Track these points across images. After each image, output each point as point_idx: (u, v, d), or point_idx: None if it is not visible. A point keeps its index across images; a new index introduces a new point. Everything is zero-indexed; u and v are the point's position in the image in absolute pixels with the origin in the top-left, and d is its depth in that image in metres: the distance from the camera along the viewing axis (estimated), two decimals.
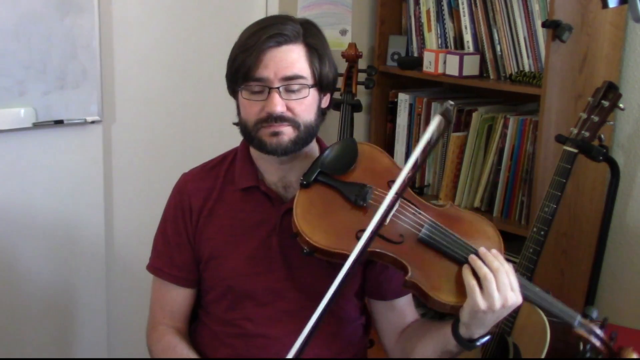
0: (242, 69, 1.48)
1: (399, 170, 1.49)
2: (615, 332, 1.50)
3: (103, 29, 2.47)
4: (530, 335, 1.99)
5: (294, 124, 1.51)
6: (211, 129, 2.79)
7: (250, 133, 1.53)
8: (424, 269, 1.41)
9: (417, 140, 2.89)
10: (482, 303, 1.34)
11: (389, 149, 2.99)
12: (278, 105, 1.47)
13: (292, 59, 1.49)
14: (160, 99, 2.70)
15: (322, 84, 1.55)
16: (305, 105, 1.51)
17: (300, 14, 2.92)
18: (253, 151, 1.62)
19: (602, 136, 1.99)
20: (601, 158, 2.00)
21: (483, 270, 1.36)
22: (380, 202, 1.40)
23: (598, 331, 1.47)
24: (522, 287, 1.40)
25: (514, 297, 1.36)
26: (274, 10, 2.81)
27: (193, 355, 1.61)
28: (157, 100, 2.69)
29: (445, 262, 1.43)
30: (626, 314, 2.49)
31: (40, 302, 2.53)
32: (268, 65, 1.47)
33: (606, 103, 1.96)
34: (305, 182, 1.49)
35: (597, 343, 1.48)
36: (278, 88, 1.48)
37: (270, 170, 1.60)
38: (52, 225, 2.51)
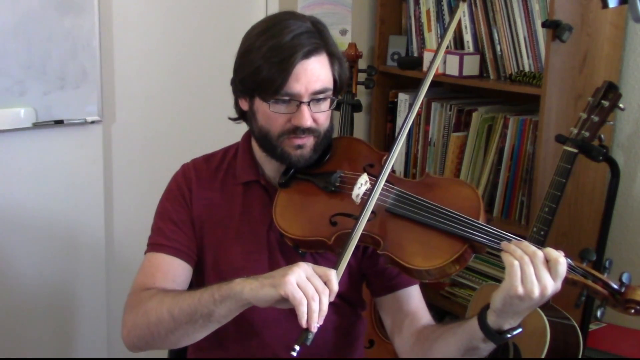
0: (272, 83, 1.46)
1: (376, 154, 1.57)
2: (629, 274, 1.33)
3: (103, 29, 2.47)
4: (530, 335, 1.99)
5: (317, 134, 1.52)
6: (211, 129, 2.79)
7: (272, 142, 1.52)
8: (395, 239, 1.41)
9: (417, 140, 2.89)
10: (520, 287, 1.27)
11: (389, 148, 2.98)
12: (308, 120, 1.48)
13: (320, 71, 1.48)
14: (160, 99, 2.70)
15: (340, 88, 1.57)
16: (327, 114, 1.53)
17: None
18: (255, 147, 1.63)
19: (602, 136, 1.99)
20: (601, 158, 2.00)
21: (518, 252, 1.28)
22: (348, 184, 1.48)
23: (595, 272, 1.34)
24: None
25: (554, 285, 1.28)
26: (274, 10, 2.80)
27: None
28: (157, 100, 2.69)
29: (417, 228, 1.41)
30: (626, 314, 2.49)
31: (40, 302, 2.53)
32: (299, 79, 1.45)
33: (606, 103, 1.96)
34: (282, 182, 1.55)
35: (595, 285, 1.32)
36: (308, 102, 1.48)
37: (270, 166, 1.61)
38: (52, 225, 2.51)
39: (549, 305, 2.01)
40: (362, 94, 2.99)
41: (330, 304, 1.60)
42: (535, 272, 1.27)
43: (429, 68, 1.53)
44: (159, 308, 1.45)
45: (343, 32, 3.05)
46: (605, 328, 2.35)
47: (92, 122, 2.49)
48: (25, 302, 2.49)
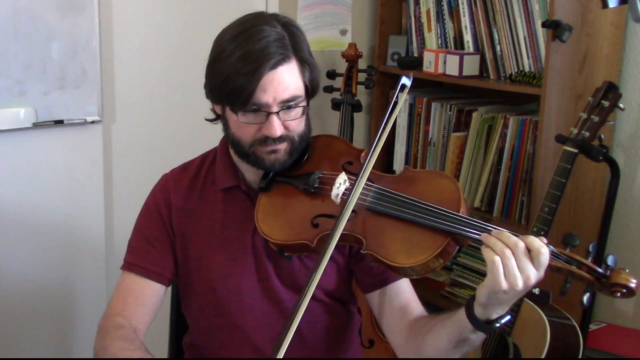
0: (240, 94, 1.44)
1: (354, 151, 1.55)
2: (614, 256, 1.31)
3: (103, 29, 2.47)
4: (530, 335, 1.99)
5: (290, 139, 1.50)
6: (211, 129, 2.79)
7: (244, 150, 1.52)
8: (377, 237, 1.40)
9: (417, 140, 2.89)
10: (504, 283, 1.26)
11: (389, 148, 2.99)
12: (278, 129, 1.46)
13: (289, 80, 1.46)
14: (160, 99, 2.70)
15: (312, 93, 1.55)
16: (300, 120, 1.51)
17: (300, 13, 2.92)
18: (233, 152, 1.61)
19: (602, 136, 1.99)
20: (601, 158, 2.00)
21: (499, 246, 1.27)
22: (327, 184, 1.47)
23: (579, 258, 1.31)
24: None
25: (537, 274, 1.27)
26: (274, 10, 2.80)
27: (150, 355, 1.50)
28: (157, 100, 2.69)
29: (399, 225, 1.39)
30: (626, 314, 2.49)
31: (40, 302, 2.53)
32: (267, 90, 1.44)
33: (606, 103, 1.96)
34: (262, 186, 1.53)
35: (579, 271, 1.30)
36: (277, 112, 1.46)
37: (250, 170, 1.59)
38: (52, 225, 2.51)
39: (549, 305, 2.01)
40: (362, 94, 2.99)
41: (321, 303, 1.60)
42: (518, 265, 1.26)
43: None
44: (105, 354, 1.49)
45: (343, 32, 3.05)
46: (605, 328, 2.35)
47: (92, 122, 2.49)
48: (25, 302, 2.49)
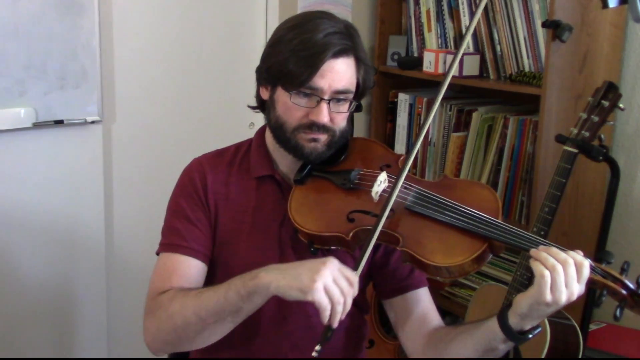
0: (299, 75, 1.47)
1: (392, 155, 1.58)
2: None
3: (103, 29, 2.47)
4: None
5: (332, 132, 1.53)
6: (211, 129, 2.79)
7: (286, 134, 1.53)
8: (415, 237, 1.41)
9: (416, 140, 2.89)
10: (549, 296, 1.28)
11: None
12: (326, 117, 1.49)
13: (346, 73, 1.50)
14: (160, 99, 2.70)
15: (362, 93, 1.58)
16: (345, 115, 1.54)
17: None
18: (269, 141, 1.63)
19: (602, 136, 1.99)
20: (601, 158, 2.00)
21: (550, 261, 1.29)
22: (366, 181, 1.50)
23: (614, 273, 1.35)
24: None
25: (580, 289, 1.30)
26: (274, 10, 2.80)
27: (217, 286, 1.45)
28: (157, 100, 2.69)
29: (436, 226, 1.42)
30: (627, 314, 2.49)
31: (40, 302, 2.53)
32: (325, 76, 1.47)
33: (606, 103, 1.96)
34: (298, 179, 1.56)
35: (614, 285, 1.34)
36: (329, 101, 1.49)
37: (285, 162, 1.61)
38: (52, 225, 2.51)
39: None
40: None
41: None
42: (565, 280, 1.29)
43: (450, 66, 1.53)
44: (183, 311, 1.44)
45: None
46: (605, 328, 2.35)
47: (92, 122, 2.50)
48: (26, 302, 2.49)
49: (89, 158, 2.54)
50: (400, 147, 2.95)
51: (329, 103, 1.49)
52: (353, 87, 1.53)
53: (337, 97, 1.50)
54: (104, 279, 2.64)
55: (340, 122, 1.54)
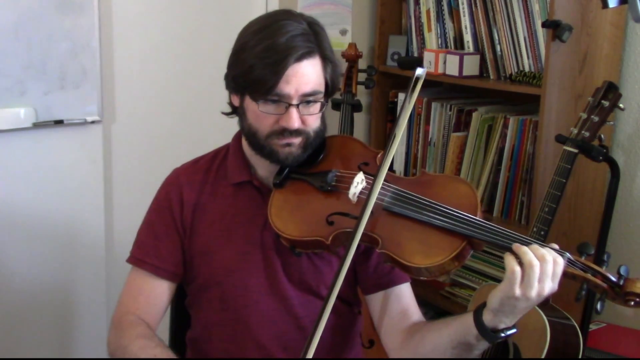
0: (264, 84, 1.46)
1: (370, 152, 1.56)
2: (626, 266, 1.33)
3: (103, 29, 2.47)
4: (530, 335, 1.99)
5: (306, 134, 1.52)
6: (211, 129, 2.79)
7: (260, 141, 1.53)
8: (394, 238, 1.41)
9: (417, 140, 2.89)
10: (517, 291, 1.29)
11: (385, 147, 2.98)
12: (296, 122, 1.48)
13: (312, 75, 1.48)
14: (160, 99, 2.70)
15: (332, 91, 1.57)
16: (317, 116, 1.53)
17: None
18: (246, 147, 1.62)
19: (602, 136, 1.99)
20: (601, 158, 2.00)
21: (528, 256, 1.29)
22: (344, 183, 1.49)
23: (594, 266, 1.34)
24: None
25: (551, 286, 1.30)
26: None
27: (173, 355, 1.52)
28: (157, 100, 2.69)
29: (415, 226, 1.41)
30: (626, 314, 2.49)
31: (41, 302, 2.53)
32: (290, 81, 1.46)
33: (606, 103, 1.96)
34: (276, 182, 1.55)
35: (594, 279, 1.33)
36: (297, 105, 1.48)
37: (263, 166, 1.60)
38: (52, 225, 2.51)
39: (549, 305, 2.01)
40: (362, 94, 2.99)
41: None
42: (540, 277, 1.29)
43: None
44: (137, 354, 1.50)
45: (343, 32, 3.05)
46: (605, 328, 2.35)
47: (92, 122, 2.50)
48: (25, 302, 2.49)
49: (89, 158, 2.54)
50: (400, 147, 2.95)
51: (298, 107, 1.48)
52: (321, 87, 1.51)
53: (305, 99, 1.48)
54: (104, 279, 2.64)
55: (313, 123, 1.52)
